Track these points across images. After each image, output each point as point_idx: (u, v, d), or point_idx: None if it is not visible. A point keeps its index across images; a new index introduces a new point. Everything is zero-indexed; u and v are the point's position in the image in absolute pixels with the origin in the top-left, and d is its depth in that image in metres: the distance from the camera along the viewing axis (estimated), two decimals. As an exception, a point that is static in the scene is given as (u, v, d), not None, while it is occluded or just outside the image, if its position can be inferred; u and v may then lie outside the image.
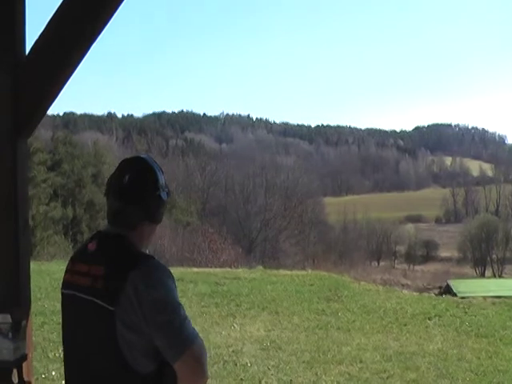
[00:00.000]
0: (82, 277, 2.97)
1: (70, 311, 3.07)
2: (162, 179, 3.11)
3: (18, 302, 4.39)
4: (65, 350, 3.13)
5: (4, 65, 4.37)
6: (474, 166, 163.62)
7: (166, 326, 2.83)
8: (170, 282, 2.94)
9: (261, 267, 23.07)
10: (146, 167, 3.08)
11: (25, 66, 4.38)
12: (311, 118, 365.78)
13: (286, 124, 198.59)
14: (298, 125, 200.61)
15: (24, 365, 4.33)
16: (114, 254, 2.93)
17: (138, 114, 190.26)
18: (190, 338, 2.91)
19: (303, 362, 10.66)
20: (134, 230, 3.02)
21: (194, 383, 2.93)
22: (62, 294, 3.13)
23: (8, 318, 4.18)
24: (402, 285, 35.36)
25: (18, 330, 4.23)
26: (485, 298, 18.25)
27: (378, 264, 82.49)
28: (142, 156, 3.19)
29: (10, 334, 4.16)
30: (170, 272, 2.98)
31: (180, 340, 2.86)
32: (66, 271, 3.13)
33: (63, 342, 3.16)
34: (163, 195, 3.10)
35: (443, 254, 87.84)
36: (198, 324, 12.90)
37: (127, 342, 2.79)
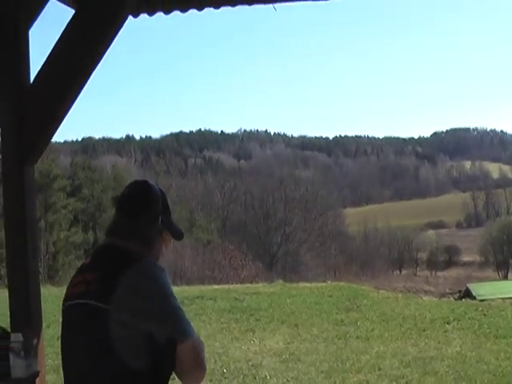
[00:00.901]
0: (77, 286, 3.10)
1: (67, 321, 3.14)
2: (161, 207, 3.27)
3: (29, 322, 4.58)
4: (63, 360, 3.18)
5: (9, 92, 4.61)
6: (494, 169, 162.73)
7: (164, 314, 2.93)
8: (164, 277, 3.02)
9: (281, 281, 23.15)
10: (147, 187, 3.29)
11: (30, 93, 4.61)
12: (329, 130, 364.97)
13: (304, 137, 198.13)
14: (316, 137, 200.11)
15: (37, 381, 4.51)
16: (108, 260, 3.07)
17: (156, 135, 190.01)
18: (189, 330, 3.00)
19: (322, 372, 10.77)
20: (127, 242, 3.11)
21: (194, 375, 3.05)
22: (62, 310, 3.21)
23: (20, 337, 4.37)
24: (425, 291, 35.21)
25: (30, 349, 4.42)
26: (504, 299, 18.29)
27: (400, 272, 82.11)
28: (150, 181, 3.39)
29: (22, 353, 4.35)
30: (164, 269, 3.07)
31: (181, 327, 2.98)
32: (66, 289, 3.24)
33: (62, 354, 3.20)
34: (157, 219, 3.22)
35: (465, 258, 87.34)
36: (217, 340, 13.08)
37: (124, 340, 2.86)
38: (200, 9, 5.21)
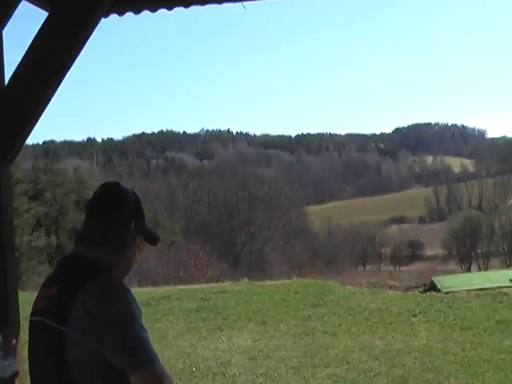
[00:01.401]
0: (38, 301, 2.93)
1: (29, 336, 2.97)
2: (134, 211, 3.05)
3: (7, 322, 4.57)
4: (30, 378, 3.01)
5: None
6: (456, 163, 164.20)
7: (120, 341, 2.67)
8: (125, 301, 2.77)
9: (246, 280, 23.15)
10: (118, 190, 3.07)
11: (5, 95, 4.63)
12: (291, 128, 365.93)
13: (267, 136, 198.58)
14: (278, 136, 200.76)
15: (16, 381, 4.50)
16: (70, 272, 2.86)
17: (118, 136, 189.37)
18: (147, 360, 2.69)
19: (291, 367, 10.83)
20: (96, 251, 2.92)
21: None
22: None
23: (-1, 337, 4.35)
24: (389, 286, 35.44)
25: (9, 349, 4.40)
26: (468, 291, 18.50)
27: (364, 268, 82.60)
28: (120, 184, 3.15)
29: (2, 353, 4.33)
30: (129, 289, 2.82)
31: (136, 357, 2.67)
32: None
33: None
34: (130, 226, 3.01)
35: (428, 252, 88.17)
36: (185, 340, 13.07)
37: (78, 363, 2.69)
38: (170, 8, 5.24)
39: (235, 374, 10.49)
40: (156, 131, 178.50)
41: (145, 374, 2.65)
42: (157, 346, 9.63)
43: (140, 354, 2.67)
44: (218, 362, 11.29)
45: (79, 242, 2.98)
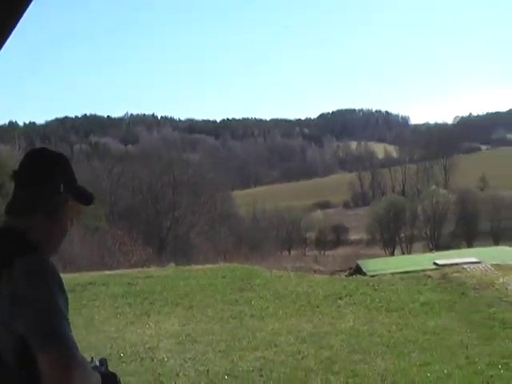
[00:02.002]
0: None
1: None
2: (63, 173, 2.88)
3: None
4: None
5: None
6: (379, 149, 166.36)
7: (38, 325, 2.44)
8: (51, 284, 2.57)
9: (173, 264, 23.07)
10: (45, 153, 2.93)
11: None
12: (217, 113, 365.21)
13: (192, 120, 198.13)
14: (203, 120, 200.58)
15: None
16: None
17: (41, 120, 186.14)
18: (62, 342, 2.44)
19: (219, 351, 10.84)
20: (27, 219, 2.75)
21: None
22: None
23: None
24: (314, 270, 35.64)
25: None
26: (393, 274, 18.80)
27: (289, 253, 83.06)
28: (47, 148, 2.98)
29: None
30: (56, 272, 2.62)
31: (48, 333, 2.45)
32: None
33: None
34: (60, 188, 2.82)
35: (353, 237, 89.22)
36: (112, 325, 12.97)
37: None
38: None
39: (163, 358, 10.44)
40: (79, 115, 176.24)
41: (52, 356, 2.38)
42: (83, 332, 9.54)
43: (52, 338, 2.43)
44: (146, 346, 11.23)
45: (8, 212, 2.81)
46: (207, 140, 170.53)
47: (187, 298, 15.70)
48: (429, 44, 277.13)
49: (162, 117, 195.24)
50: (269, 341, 11.36)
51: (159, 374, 9.61)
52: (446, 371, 8.94)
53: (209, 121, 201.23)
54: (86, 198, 2.99)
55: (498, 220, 78.06)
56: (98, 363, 2.76)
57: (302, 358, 10.18)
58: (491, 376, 8.59)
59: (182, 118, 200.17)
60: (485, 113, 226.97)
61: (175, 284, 17.46)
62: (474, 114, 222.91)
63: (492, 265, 18.94)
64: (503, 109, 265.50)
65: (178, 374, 9.55)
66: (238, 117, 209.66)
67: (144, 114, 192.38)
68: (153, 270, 20.95)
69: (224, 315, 13.78)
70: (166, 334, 12.22)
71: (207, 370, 9.66)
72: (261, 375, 9.31)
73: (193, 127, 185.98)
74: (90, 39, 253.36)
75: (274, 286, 17.05)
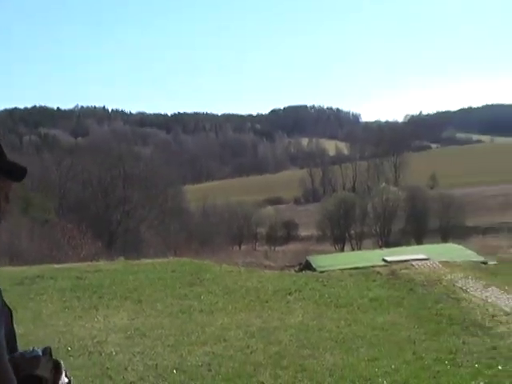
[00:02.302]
0: None
1: None
2: None
3: None
4: None
5: None
6: (330, 146, 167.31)
7: None
8: None
9: (122, 258, 22.90)
10: None
11: None
12: (168, 107, 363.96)
13: (143, 114, 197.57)
14: (154, 114, 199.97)
15: None
16: None
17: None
18: None
19: (168, 345, 10.78)
20: None
21: None
22: None
23: None
24: (265, 266, 35.66)
25: None
26: (342, 270, 18.90)
27: (240, 248, 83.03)
28: None
29: None
30: None
31: None
32: None
33: None
34: None
35: (303, 233, 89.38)
36: (60, 319, 12.82)
37: None
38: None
39: (111, 352, 10.35)
40: (29, 107, 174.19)
41: None
42: (31, 326, 9.42)
43: None
44: (94, 340, 11.11)
45: None
46: (158, 134, 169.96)
47: (136, 292, 15.59)
48: (379, 42, 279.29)
49: (112, 110, 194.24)
50: (218, 335, 11.34)
51: (107, 368, 9.52)
52: (393, 366, 9.02)
53: (160, 114, 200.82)
54: (16, 173, 2.70)
55: (447, 218, 78.88)
56: (40, 352, 2.68)
57: (251, 353, 10.17)
58: (438, 371, 8.68)
59: (133, 112, 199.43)
60: (435, 112, 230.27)
61: (124, 278, 17.33)
62: (425, 112, 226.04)
63: (440, 262, 19.17)
64: (453, 108, 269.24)
65: (126, 368, 9.47)
66: (190, 111, 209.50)
67: (95, 107, 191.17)
68: (102, 263, 20.75)
69: (173, 310, 13.72)
70: (115, 328, 12.12)
71: (156, 365, 9.60)
72: (209, 370, 9.29)
73: (144, 121, 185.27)
74: (40, 30, 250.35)
75: (224, 280, 17.03)
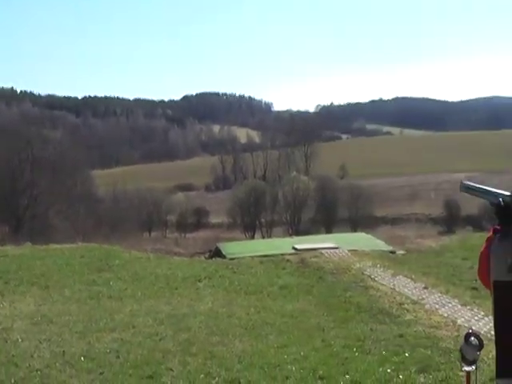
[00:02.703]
0: None
1: None
2: None
3: None
4: None
5: None
6: (242, 134, 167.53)
7: None
8: None
9: (29, 243, 22.44)
10: None
11: None
12: (78, 90, 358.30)
13: (53, 96, 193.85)
14: (64, 97, 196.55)
15: None
16: None
17: None
18: None
19: (76, 332, 10.61)
20: None
21: None
22: None
23: None
24: (175, 253, 35.68)
25: None
26: (253, 257, 18.97)
27: (150, 234, 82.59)
28: None
29: None
30: None
31: None
32: None
33: None
34: None
35: (214, 220, 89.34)
36: (-37, 305, 12.47)
37: None
38: None
39: (17, 339, 10.11)
40: None
41: None
42: None
43: None
44: (0, 327, 10.86)
45: None
46: (68, 117, 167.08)
47: (43, 277, 15.32)
48: (294, 31, 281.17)
49: (21, 91, 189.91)
50: (127, 322, 11.22)
51: (13, 355, 9.30)
52: (302, 353, 9.08)
53: (70, 97, 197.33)
54: None
55: (356, 208, 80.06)
56: None
57: (160, 340, 10.11)
58: (346, 358, 8.79)
59: (43, 94, 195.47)
60: (346, 103, 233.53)
61: (31, 263, 17.01)
62: (336, 103, 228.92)
63: (349, 250, 19.46)
64: (364, 100, 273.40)
65: (32, 356, 9.26)
66: (100, 95, 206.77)
67: (2, 88, 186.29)
68: (8, 248, 20.32)
69: (81, 296, 13.53)
70: (21, 314, 11.86)
71: (63, 352, 9.42)
72: (118, 357, 9.17)
73: (53, 103, 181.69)
74: None
75: (133, 267, 16.91)
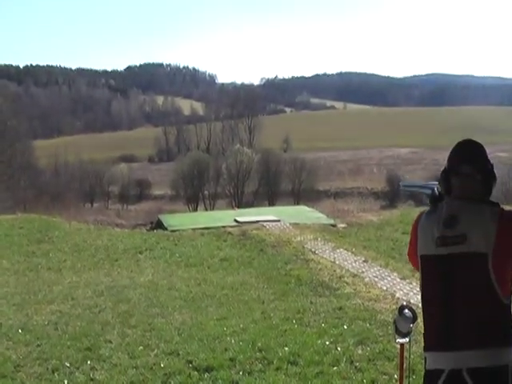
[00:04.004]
0: None
1: None
2: None
3: None
4: None
5: None
6: (186, 105, 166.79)
7: None
8: None
9: (-33, 213, 22.10)
10: None
11: None
12: (19, 58, 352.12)
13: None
14: (5, 65, 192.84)
15: None
16: None
17: None
18: None
19: (13, 304, 10.51)
20: None
21: None
22: None
23: None
24: (117, 224, 35.36)
25: None
26: (194, 230, 18.95)
27: (92, 205, 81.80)
28: None
29: None
30: None
31: None
32: None
33: None
34: None
35: (156, 192, 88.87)
36: None
37: None
38: None
39: (-48, 312, 9.96)
40: None
41: None
42: None
43: None
44: None
45: None
46: (9, 86, 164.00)
47: (-19, 248, 15.12)
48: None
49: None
50: (65, 294, 11.14)
51: None
52: (241, 325, 9.11)
53: (11, 66, 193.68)
54: None
55: (299, 181, 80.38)
56: None
57: (99, 312, 10.05)
58: (285, 330, 8.84)
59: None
60: (290, 76, 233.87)
61: (-32, 234, 16.77)
62: (280, 76, 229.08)
63: (290, 223, 19.55)
64: (308, 74, 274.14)
65: (-32, 329, 9.14)
66: (42, 63, 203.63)
67: None
68: None
69: (20, 267, 13.39)
70: (-43, 286, 11.70)
71: (0, 324, 9.31)
72: (56, 329, 9.09)
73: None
74: None
75: (73, 238, 16.77)
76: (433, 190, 3.70)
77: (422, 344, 3.66)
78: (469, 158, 3.54)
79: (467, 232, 3.41)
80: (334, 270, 13.03)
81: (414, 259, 3.76)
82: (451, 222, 3.47)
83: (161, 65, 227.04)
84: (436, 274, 3.53)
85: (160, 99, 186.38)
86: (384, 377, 6.96)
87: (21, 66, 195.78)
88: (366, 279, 12.30)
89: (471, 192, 3.51)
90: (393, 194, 75.26)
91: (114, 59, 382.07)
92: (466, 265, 3.42)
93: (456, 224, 3.45)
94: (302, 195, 75.97)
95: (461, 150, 3.61)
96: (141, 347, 8.20)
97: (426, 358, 3.60)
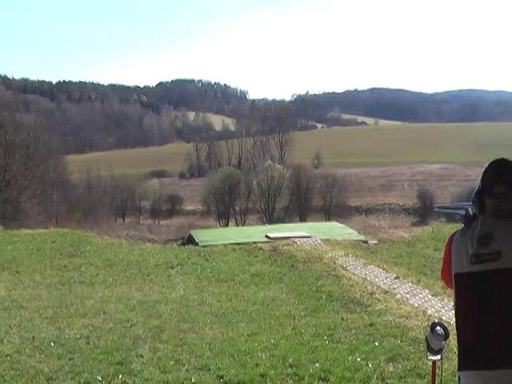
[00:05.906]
0: None
1: None
2: None
3: None
4: None
5: None
6: (217, 121, 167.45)
7: None
8: None
9: (1, 228, 22.30)
10: None
11: None
12: (52, 74, 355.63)
13: (26, 80, 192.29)
14: (38, 81, 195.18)
15: None
16: None
17: None
18: None
19: (46, 318, 10.55)
20: None
21: None
22: None
23: None
24: (148, 239, 35.60)
25: None
26: (225, 245, 18.96)
27: (124, 221, 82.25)
28: None
29: None
30: None
31: None
32: None
33: None
34: None
35: (188, 207, 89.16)
36: None
37: None
38: None
39: (-15, 324, 10.04)
40: None
41: None
42: None
43: None
44: (-31, 312, 10.78)
45: None
46: (42, 101, 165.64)
47: (15, 262, 15.23)
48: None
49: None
50: (97, 308, 11.18)
51: (-18, 340, 9.23)
52: (273, 341, 9.08)
53: (44, 81, 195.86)
54: None
55: (330, 197, 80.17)
56: None
57: (131, 326, 10.07)
58: (316, 346, 8.80)
59: (16, 77, 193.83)
60: (321, 92, 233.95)
61: (2, 248, 16.90)
62: (312, 92, 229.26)
63: (322, 239, 19.50)
64: (339, 90, 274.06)
65: (2, 341, 9.19)
66: (75, 79, 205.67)
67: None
68: (-21, 233, 20.18)
69: (52, 281, 13.47)
70: (-9, 299, 11.78)
71: (33, 337, 9.35)
72: (88, 343, 9.13)
73: (27, 87, 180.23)
74: None
75: (105, 253, 16.84)
76: (467, 210, 3.70)
77: (454, 361, 3.63)
78: (502, 178, 3.52)
79: (501, 249, 3.38)
80: (366, 287, 12.96)
81: (448, 278, 3.72)
82: (485, 239, 3.45)
83: (192, 81, 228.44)
84: (470, 291, 3.50)
85: (191, 115, 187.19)
86: (416, 394, 6.90)
87: (54, 82, 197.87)
88: (398, 296, 12.21)
89: (506, 211, 3.49)
90: (424, 211, 74.76)
91: (145, 75, 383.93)
92: (501, 281, 3.39)
93: (490, 241, 3.42)
94: (333, 211, 75.81)
95: (493, 170, 3.59)
96: (172, 362, 8.20)
97: (459, 378, 3.56)
